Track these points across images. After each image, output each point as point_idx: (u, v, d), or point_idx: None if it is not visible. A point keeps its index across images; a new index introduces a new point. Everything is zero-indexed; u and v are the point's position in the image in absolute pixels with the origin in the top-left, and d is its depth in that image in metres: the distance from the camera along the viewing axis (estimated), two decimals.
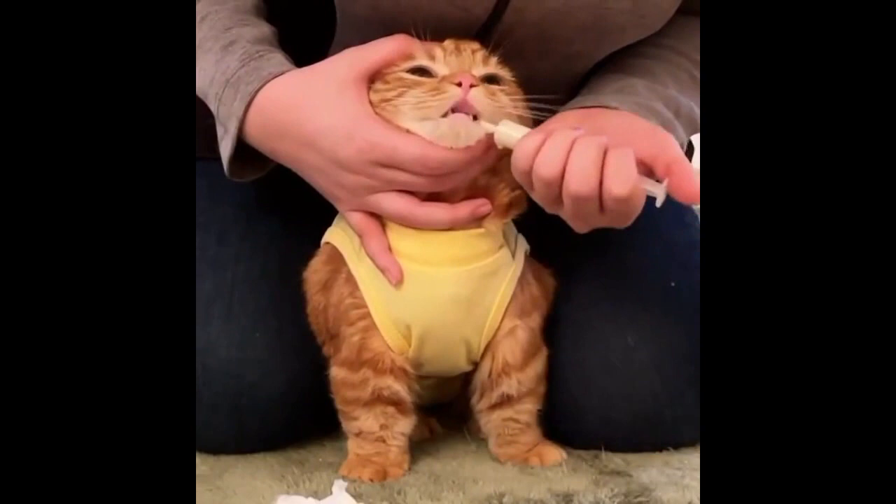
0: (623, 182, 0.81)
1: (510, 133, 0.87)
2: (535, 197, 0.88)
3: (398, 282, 0.91)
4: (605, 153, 0.82)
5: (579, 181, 0.82)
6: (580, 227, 0.88)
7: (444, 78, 0.88)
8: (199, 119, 0.83)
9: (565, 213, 0.87)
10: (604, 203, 0.83)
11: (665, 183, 0.83)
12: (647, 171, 0.84)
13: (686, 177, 0.82)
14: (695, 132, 1.03)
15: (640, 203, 0.84)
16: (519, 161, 0.85)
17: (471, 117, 0.87)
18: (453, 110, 0.87)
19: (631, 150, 0.82)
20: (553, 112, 0.93)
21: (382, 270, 0.92)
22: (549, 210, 0.88)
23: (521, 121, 0.89)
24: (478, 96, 0.87)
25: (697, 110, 0.99)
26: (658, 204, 0.83)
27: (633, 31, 0.98)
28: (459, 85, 0.86)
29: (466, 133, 0.87)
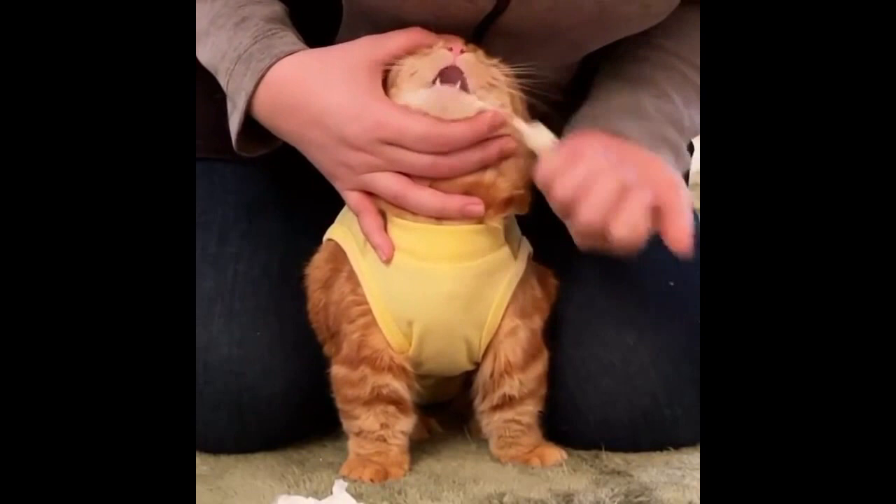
0: (627, 227, 0.87)
1: (538, 137, 0.90)
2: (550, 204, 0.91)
3: (389, 259, 0.92)
4: (625, 191, 0.87)
5: (591, 212, 0.87)
6: (583, 246, 0.92)
7: (436, 45, 0.91)
8: (200, 119, 0.83)
9: (572, 229, 0.91)
10: (608, 236, 0.88)
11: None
12: (655, 213, 0.88)
13: (683, 230, 0.88)
14: (695, 136, 1.05)
15: (640, 243, 0.88)
16: (543, 174, 0.89)
17: (457, 88, 0.88)
18: (442, 81, 0.88)
19: (648, 198, 0.87)
20: (546, 100, 0.94)
21: (375, 248, 0.93)
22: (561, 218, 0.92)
23: (515, 101, 0.91)
24: (468, 59, 0.88)
25: (698, 118, 1.02)
26: None
27: (639, 22, 0.99)
28: (451, 50, 0.89)
29: (454, 104, 0.89)
